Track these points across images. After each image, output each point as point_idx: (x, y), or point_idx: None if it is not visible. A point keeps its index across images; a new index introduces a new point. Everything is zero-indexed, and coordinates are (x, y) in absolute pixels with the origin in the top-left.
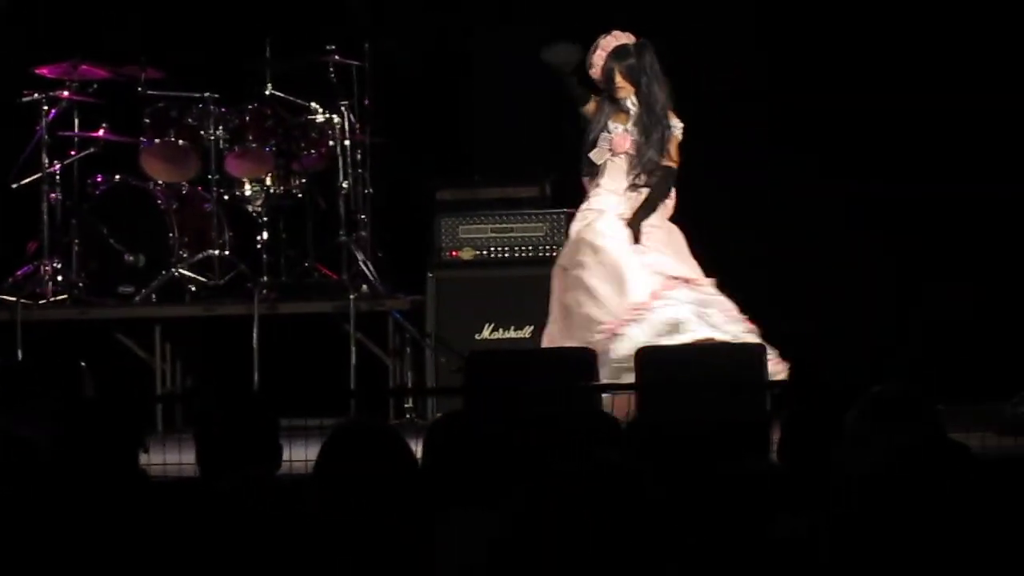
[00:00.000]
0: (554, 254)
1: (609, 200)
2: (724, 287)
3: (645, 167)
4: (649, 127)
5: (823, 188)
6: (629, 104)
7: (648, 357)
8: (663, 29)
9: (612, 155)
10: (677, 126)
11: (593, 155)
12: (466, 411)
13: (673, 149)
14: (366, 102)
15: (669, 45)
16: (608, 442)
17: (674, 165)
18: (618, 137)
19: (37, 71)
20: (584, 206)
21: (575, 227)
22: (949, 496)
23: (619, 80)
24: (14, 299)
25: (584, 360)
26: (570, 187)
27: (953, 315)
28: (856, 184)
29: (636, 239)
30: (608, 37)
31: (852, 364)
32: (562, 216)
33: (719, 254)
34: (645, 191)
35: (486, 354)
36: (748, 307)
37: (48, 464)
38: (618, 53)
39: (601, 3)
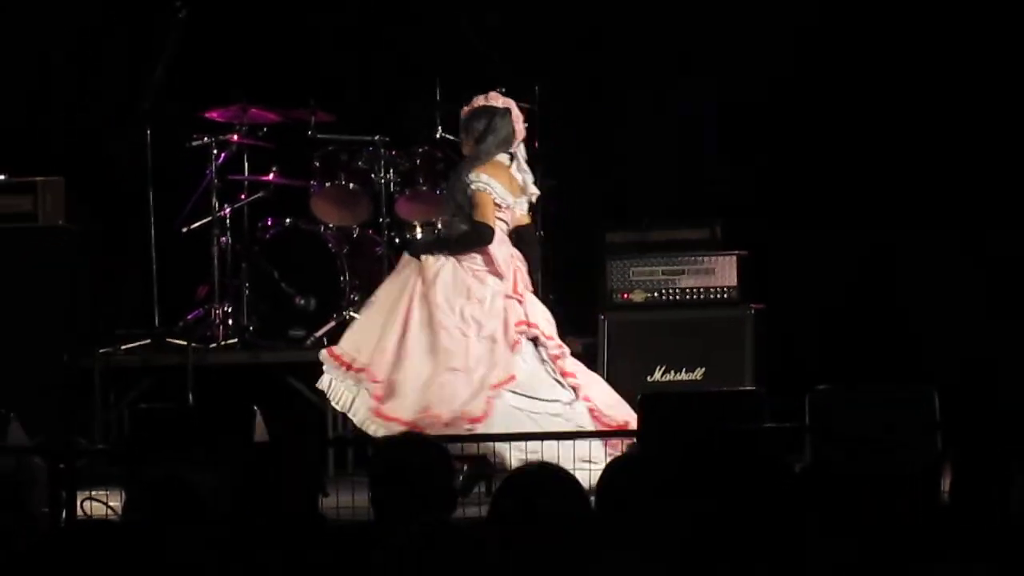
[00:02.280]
0: (725, 296)
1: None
2: None
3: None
4: (451, 184)
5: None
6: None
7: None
8: None
9: None
10: (481, 181)
11: None
12: (640, 453)
13: (478, 206)
14: (536, 145)
15: None
16: (778, 485)
17: (484, 224)
18: None
19: (207, 115)
20: None
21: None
22: None
23: (466, 142)
24: (185, 343)
25: (754, 400)
26: (740, 229)
27: None
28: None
29: (412, 251)
30: (480, 97)
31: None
32: (732, 258)
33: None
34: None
35: (658, 395)
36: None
37: (224, 508)
38: (473, 114)
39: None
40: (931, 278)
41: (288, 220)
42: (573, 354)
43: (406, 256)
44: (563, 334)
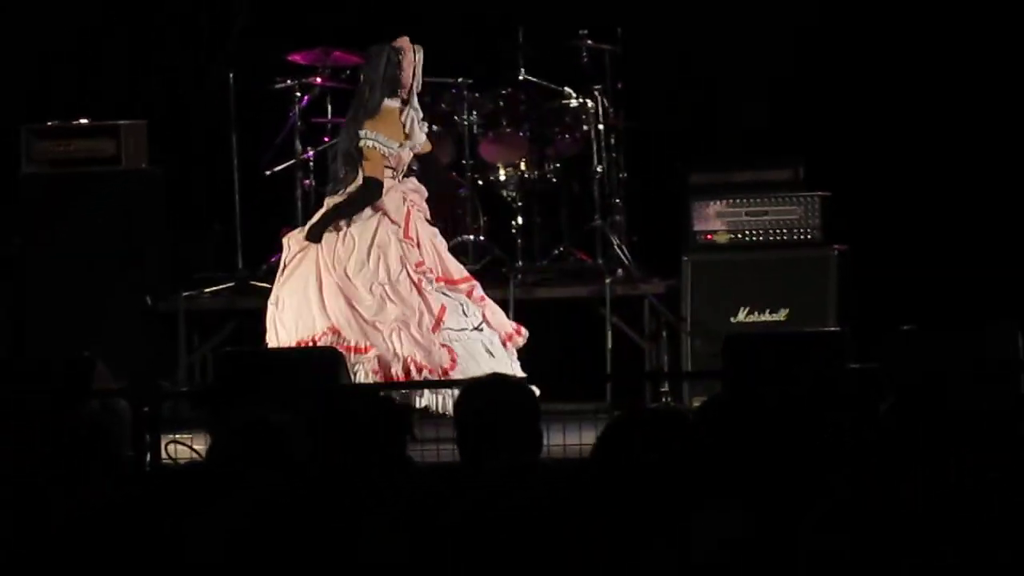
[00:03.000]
0: (809, 237)
1: None
2: None
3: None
4: (346, 127)
5: None
6: None
7: None
8: None
9: None
10: (371, 138)
11: None
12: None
13: (369, 161)
14: (619, 86)
15: None
16: (865, 427)
17: (374, 178)
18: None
19: (290, 58)
20: None
21: None
22: None
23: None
24: (268, 285)
25: (837, 341)
26: (824, 169)
27: None
28: None
29: (313, 238)
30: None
31: None
32: (816, 199)
33: None
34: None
35: (743, 337)
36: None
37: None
38: (366, 58)
39: None
40: (1016, 215)
41: None
42: (656, 295)
43: (303, 241)
44: (647, 275)
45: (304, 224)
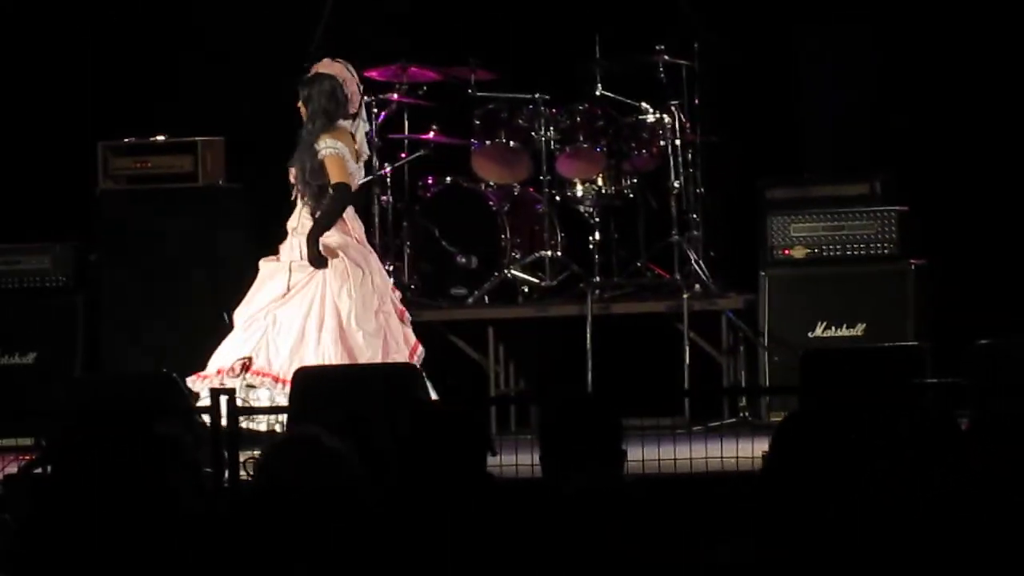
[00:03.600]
0: (886, 251)
1: (289, 234)
2: None
3: (304, 193)
4: (296, 155)
5: None
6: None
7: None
8: None
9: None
10: (330, 146)
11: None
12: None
13: (332, 169)
14: (696, 101)
15: None
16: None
17: (341, 182)
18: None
19: (366, 74)
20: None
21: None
22: None
23: (301, 105)
24: None
25: (916, 355)
26: (901, 183)
27: None
28: None
29: (316, 263)
30: (317, 64)
31: None
32: (892, 213)
33: None
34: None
35: (820, 352)
36: None
37: (362, 474)
38: (304, 81)
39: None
40: None
41: (449, 178)
42: (733, 310)
43: (307, 266)
44: (724, 290)
45: (377, 240)
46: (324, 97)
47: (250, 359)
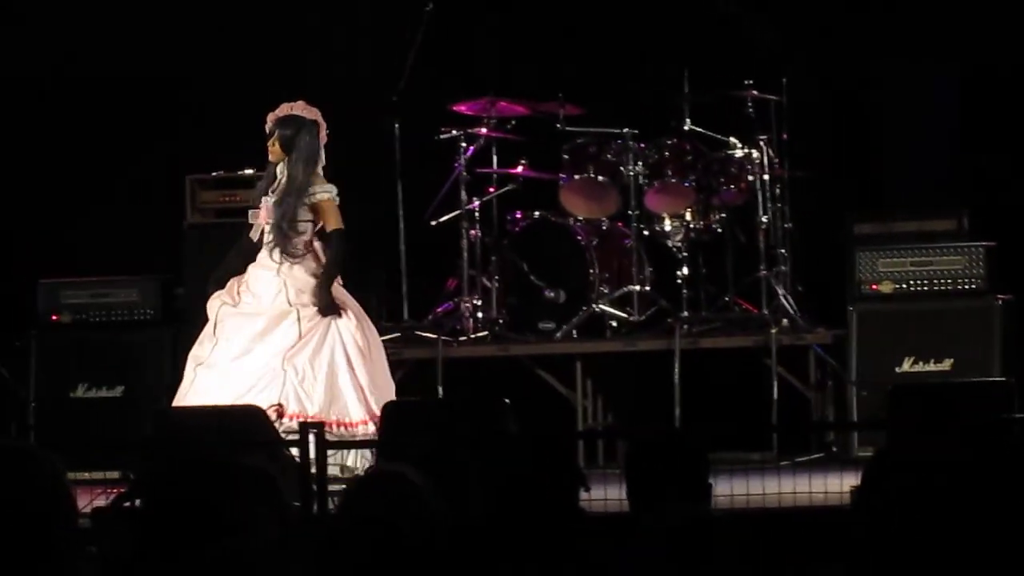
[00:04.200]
0: (973, 286)
1: (260, 276)
2: None
3: (277, 235)
4: (281, 199)
5: None
6: (278, 172)
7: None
8: None
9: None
10: (327, 191)
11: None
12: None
13: (331, 214)
14: (784, 136)
15: None
16: None
17: (341, 228)
18: (264, 208)
19: (454, 108)
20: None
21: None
22: None
23: (273, 145)
24: (435, 336)
25: (1004, 391)
26: (987, 219)
27: None
28: None
29: (328, 311)
30: (287, 105)
31: None
32: (980, 249)
33: None
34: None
35: (908, 388)
36: None
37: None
38: (283, 121)
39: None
40: None
41: (537, 213)
42: (821, 345)
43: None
44: (813, 325)
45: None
46: (311, 141)
47: (281, 406)
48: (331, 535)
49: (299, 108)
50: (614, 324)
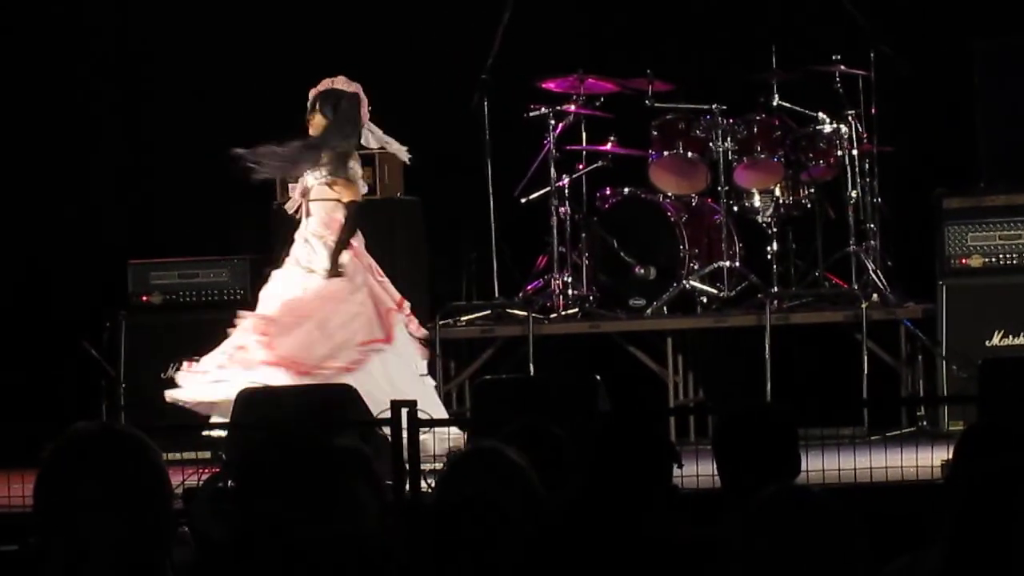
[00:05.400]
0: None
1: (298, 250)
2: None
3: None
4: (332, 165)
5: None
6: None
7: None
8: None
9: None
10: (352, 167)
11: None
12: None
13: (351, 188)
14: (872, 111)
15: None
16: None
17: (357, 201)
18: (301, 184)
19: (543, 86)
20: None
21: None
22: None
23: (314, 118)
24: (525, 313)
25: None
26: None
27: None
28: None
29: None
30: (328, 79)
31: None
32: None
33: None
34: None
35: (999, 362)
36: None
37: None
38: (324, 95)
39: None
40: None
41: (627, 189)
42: (912, 319)
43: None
44: (902, 300)
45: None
46: (350, 109)
47: None
48: (432, 514)
49: (340, 83)
50: (704, 300)
